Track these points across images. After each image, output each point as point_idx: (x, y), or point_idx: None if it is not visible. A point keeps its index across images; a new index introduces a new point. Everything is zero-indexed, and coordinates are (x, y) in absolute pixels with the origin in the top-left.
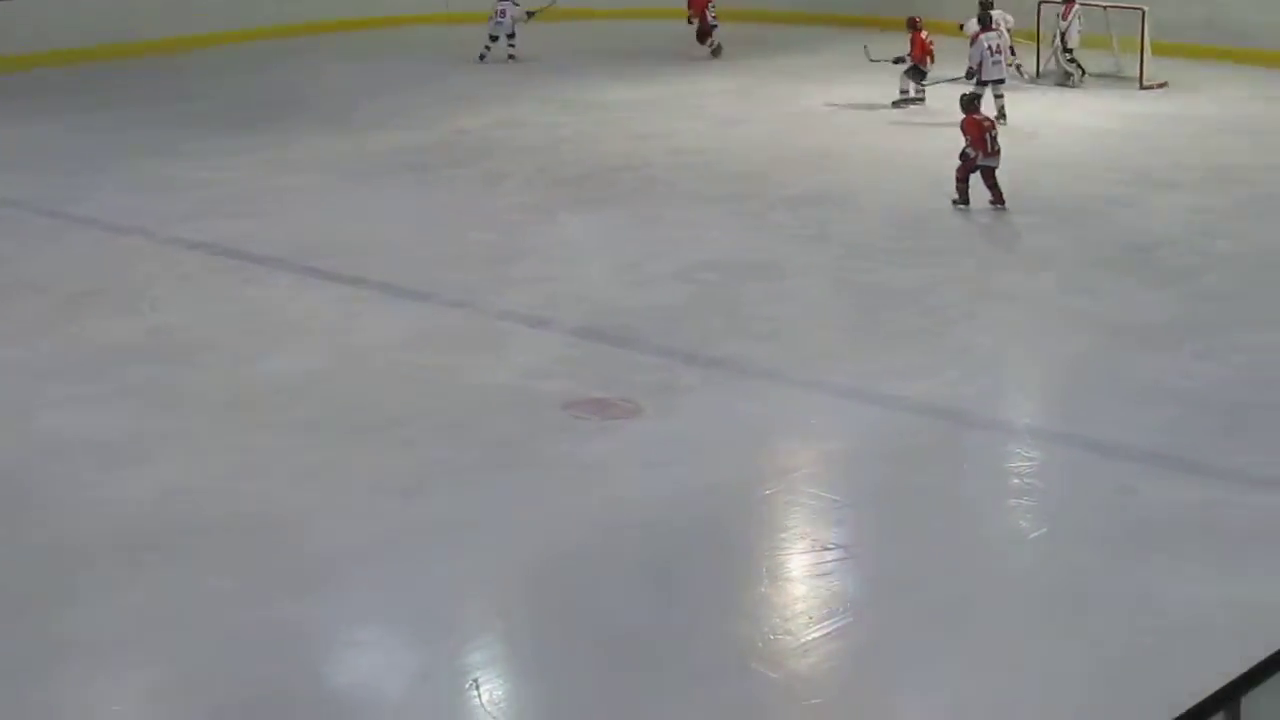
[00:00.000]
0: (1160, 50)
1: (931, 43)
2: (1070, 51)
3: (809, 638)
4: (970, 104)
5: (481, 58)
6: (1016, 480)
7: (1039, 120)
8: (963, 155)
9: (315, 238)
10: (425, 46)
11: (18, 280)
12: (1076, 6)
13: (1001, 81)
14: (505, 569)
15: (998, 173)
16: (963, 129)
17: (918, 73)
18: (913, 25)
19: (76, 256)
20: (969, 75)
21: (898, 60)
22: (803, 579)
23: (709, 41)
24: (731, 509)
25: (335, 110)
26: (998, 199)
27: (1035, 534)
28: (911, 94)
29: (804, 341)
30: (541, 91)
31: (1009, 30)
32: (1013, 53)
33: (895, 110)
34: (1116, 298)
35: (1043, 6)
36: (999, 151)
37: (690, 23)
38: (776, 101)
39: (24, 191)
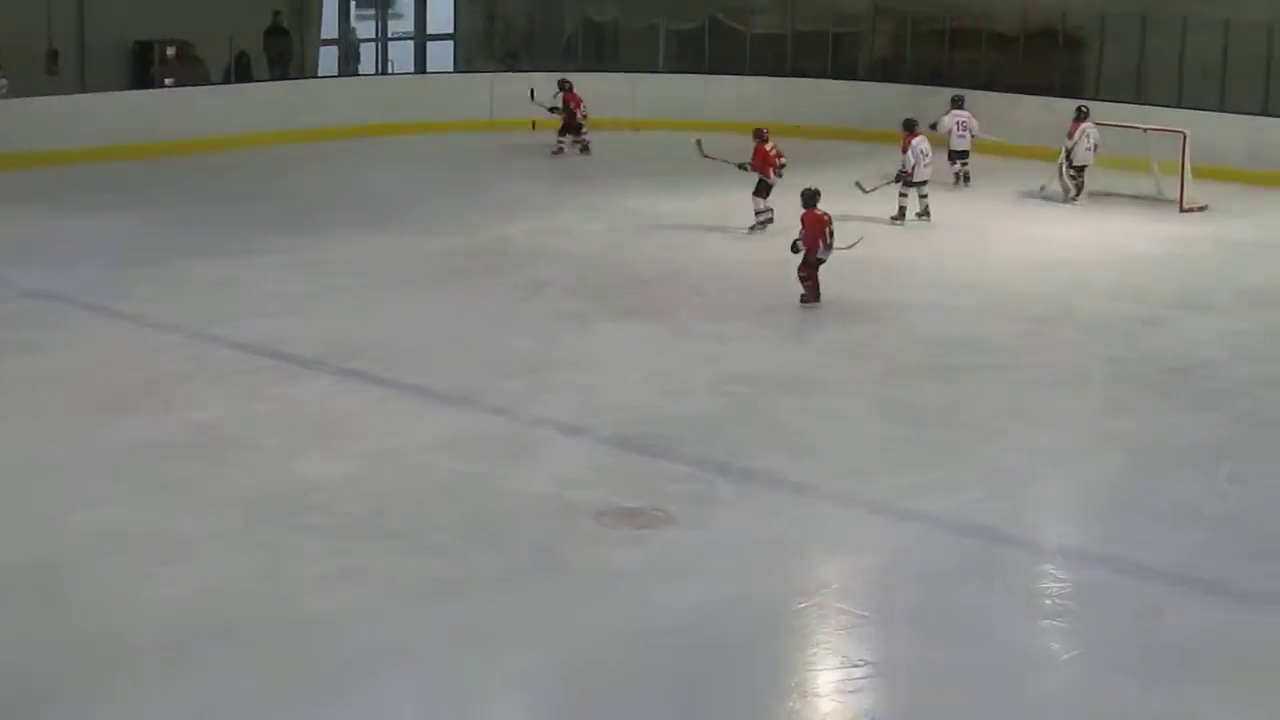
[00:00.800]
0: (1201, 174)
1: (777, 154)
2: (1077, 169)
3: None
4: (811, 199)
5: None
6: (1048, 601)
7: (1078, 241)
8: (794, 248)
9: (354, 339)
10: (469, 152)
11: (56, 374)
12: (1085, 125)
13: (926, 183)
14: (535, 677)
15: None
16: (802, 222)
17: (764, 188)
18: (759, 136)
19: (116, 352)
20: (898, 178)
21: (741, 166)
22: (832, 695)
23: (578, 140)
24: (762, 622)
25: (378, 213)
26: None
27: (1067, 655)
28: (760, 213)
29: (837, 456)
30: (583, 200)
31: (973, 135)
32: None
33: (751, 234)
34: (1151, 419)
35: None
36: (831, 247)
37: (553, 112)
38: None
39: (66, 285)
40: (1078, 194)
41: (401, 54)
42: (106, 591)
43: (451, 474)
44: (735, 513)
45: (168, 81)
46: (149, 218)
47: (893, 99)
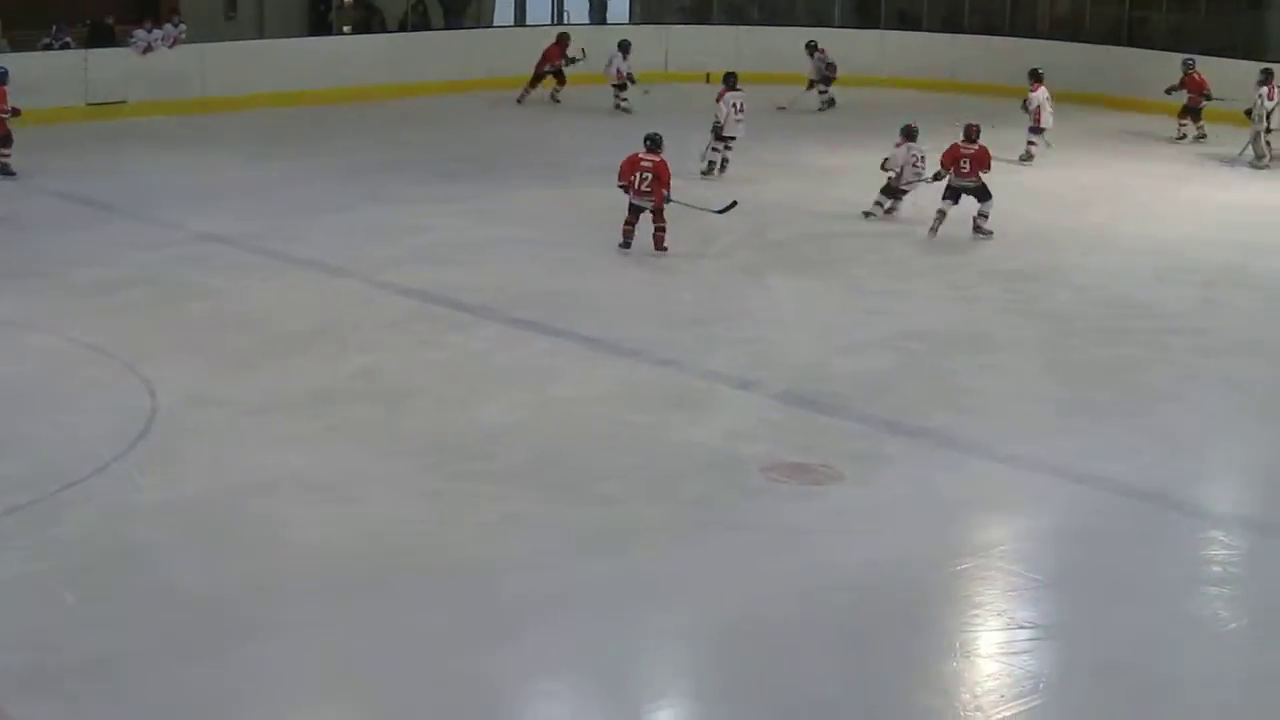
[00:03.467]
0: None
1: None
2: (1270, 131)
3: (1000, 716)
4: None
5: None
6: (1217, 568)
7: (1256, 204)
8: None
9: (524, 288)
10: (643, 104)
11: (230, 316)
12: (1274, 86)
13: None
14: (697, 629)
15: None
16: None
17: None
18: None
19: (289, 297)
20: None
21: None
22: (996, 656)
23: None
24: (927, 581)
25: (550, 164)
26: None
27: (1234, 624)
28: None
29: (1008, 416)
30: (754, 155)
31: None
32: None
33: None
34: None
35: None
36: (645, 194)
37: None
38: (994, 174)
39: (241, 229)
40: (1271, 158)
41: (576, 5)
42: (275, 532)
43: (619, 425)
44: (904, 471)
45: (345, 29)
46: (323, 164)
47: (1073, 58)
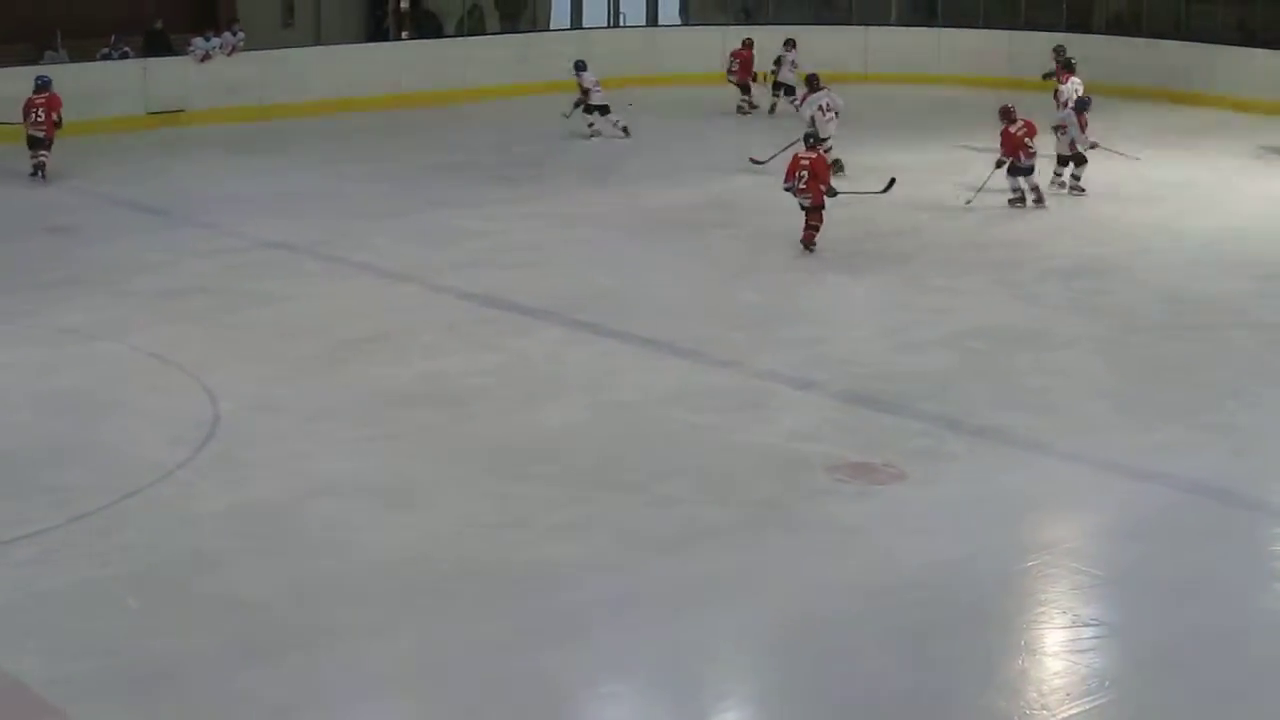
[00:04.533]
0: None
1: (1026, 134)
2: None
3: (1066, 714)
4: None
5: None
6: None
7: None
8: (831, 192)
9: (584, 291)
10: (699, 106)
11: (292, 322)
12: None
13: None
14: (760, 629)
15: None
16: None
17: (1017, 169)
18: (1005, 116)
19: (350, 302)
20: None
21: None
22: (1061, 654)
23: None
24: (991, 579)
25: (607, 166)
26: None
27: None
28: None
29: (1071, 413)
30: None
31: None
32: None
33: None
34: None
35: None
36: (804, 191)
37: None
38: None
39: (301, 236)
40: None
41: (632, 7)
42: (338, 537)
43: (682, 426)
44: (967, 469)
45: (403, 35)
46: (382, 170)
47: (1127, 53)
